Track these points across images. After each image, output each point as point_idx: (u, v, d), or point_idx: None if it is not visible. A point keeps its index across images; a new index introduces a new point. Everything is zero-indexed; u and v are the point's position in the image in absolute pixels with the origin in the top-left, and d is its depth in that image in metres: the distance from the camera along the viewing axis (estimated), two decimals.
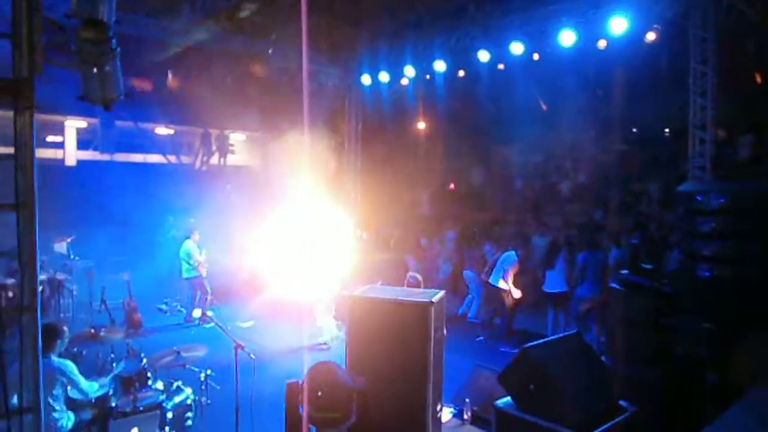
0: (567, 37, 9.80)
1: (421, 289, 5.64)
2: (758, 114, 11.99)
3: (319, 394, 3.19)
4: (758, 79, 12.56)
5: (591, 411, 4.36)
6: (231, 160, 19.05)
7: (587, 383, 4.57)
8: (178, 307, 11.29)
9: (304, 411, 3.09)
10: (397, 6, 12.09)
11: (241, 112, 15.93)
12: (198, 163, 18.55)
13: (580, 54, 10.09)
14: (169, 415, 5.37)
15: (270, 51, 12.73)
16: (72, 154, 16.63)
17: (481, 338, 9.68)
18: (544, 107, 14.86)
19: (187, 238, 10.60)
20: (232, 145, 19.01)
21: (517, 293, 9.04)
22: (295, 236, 10.65)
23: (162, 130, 17.76)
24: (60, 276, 9.37)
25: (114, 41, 3.29)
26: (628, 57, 10.29)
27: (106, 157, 17.37)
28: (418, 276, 7.57)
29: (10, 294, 6.59)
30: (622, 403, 4.64)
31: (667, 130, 13.92)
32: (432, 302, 4.74)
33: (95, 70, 3.30)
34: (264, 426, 5.46)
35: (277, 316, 10.81)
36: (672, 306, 5.84)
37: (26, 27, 3.05)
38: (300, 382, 3.53)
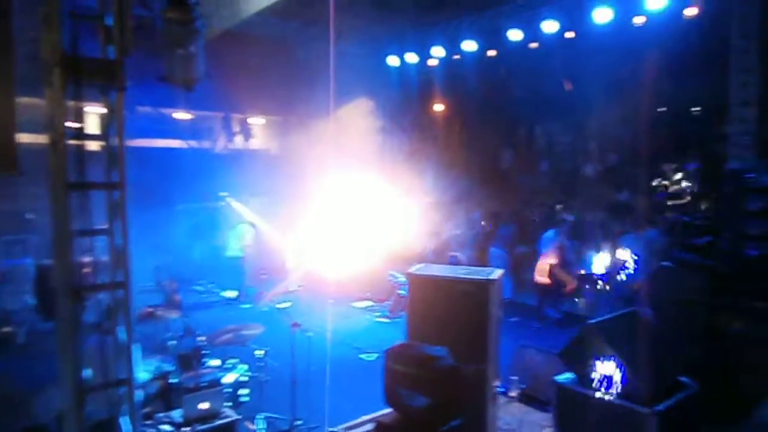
0: (603, 14, 9.67)
1: (476, 268, 5.67)
2: None
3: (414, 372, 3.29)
4: None
5: (655, 387, 4.40)
6: (251, 144, 19.07)
7: (649, 359, 4.60)
8: (213, 288, 11.45)
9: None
10: None
11: (262, 97, 15.88)
12: (219, 148, 18.58)
13: (616, 31, 9.94)
14: (227, 390, 5.50)
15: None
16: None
17: (515, 319, 9.71)
18: (568, 87, 14.68)
19: (241, 221, 10.77)
20: (252, 128, 19.02)
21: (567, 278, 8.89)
22: (328, 216, 10.75)
23: (181, 115, 17.74)
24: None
25: (199, 22, 3.31)
26: (663, 34, 10.10)
27: (128, 143, 17.39)
28: (459, 255, 7.62)
29: (86, 271, 6.70)
30: (683, 379, 4.69)
31: (697, 108, 13.75)
32: (492, 280, 4.78)
33: (180, 51, 3.32)
34: (319, 400, 5.59)
35: (313, 294, 10.96)
36: (724, 285, 5.84)
37: (117, 8, 3.08)
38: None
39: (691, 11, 9.29)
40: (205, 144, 18.52)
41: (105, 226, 3.31)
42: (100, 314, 3.54)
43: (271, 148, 20.50)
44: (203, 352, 5.72)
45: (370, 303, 10.83)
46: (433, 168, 16.92)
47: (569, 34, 10.62)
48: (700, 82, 11.97)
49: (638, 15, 9.66)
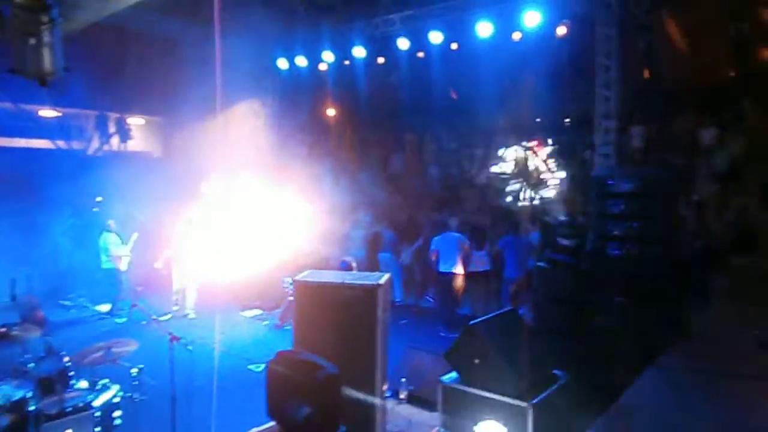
0: (484, 28, 10.19)
1: (365, 273, 5.68)
2: (646, 106, 13.21)
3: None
4: (646, 74, 13.76)
5: (531, 381, 4.66)
6: (130, 145, 17.82)
7: (525, 355, 4.86)
8: (84, 302, 10.53)
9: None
10: None
11: (142, 95, 14.95)
12: (92, 149, 17.15)
13: (497, 45, 10.53)
14: (97, 414, 5.05)
15: None
16: None
17: (406, 321, 9.91)
18: (454, 96, 15.32)
19: (108, 229, 9.94)
20: (130, 129, 17.78)
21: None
22: (216, 221, 10.30)
23: (48, 113, 16.13)
24: None
25: (55, 10, 3.00)
26: (538, 49, 10.87)
27: None
28: (350, 261, 7.62)
29: None
30: (556, 372, 5.01)
31: (568, 119, 14.93)
32: (379, 285, 4.81)
33: (32, 40, 3.00)
34: (203, 417, 5.30)
35: (199, 304, 10.40)
36: (590, 282, 6.36)
37: None
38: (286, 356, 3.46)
39: (561, 30, 10.09)
40: (76, 145, 17.01)
41: None
42: None
43: (153, 150, 19.31)
44: (69, 373, 5.20)
45: (259, 311, 10.52)
46: (326, 171, 16.90)
47: (454, 46, 11.10)
48: (570, 95, 13.04)
49: (516, 31, 10.31)
